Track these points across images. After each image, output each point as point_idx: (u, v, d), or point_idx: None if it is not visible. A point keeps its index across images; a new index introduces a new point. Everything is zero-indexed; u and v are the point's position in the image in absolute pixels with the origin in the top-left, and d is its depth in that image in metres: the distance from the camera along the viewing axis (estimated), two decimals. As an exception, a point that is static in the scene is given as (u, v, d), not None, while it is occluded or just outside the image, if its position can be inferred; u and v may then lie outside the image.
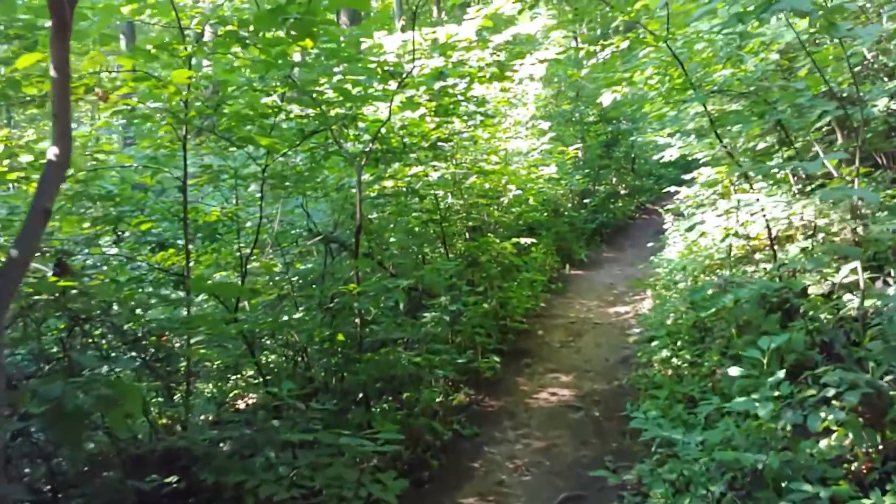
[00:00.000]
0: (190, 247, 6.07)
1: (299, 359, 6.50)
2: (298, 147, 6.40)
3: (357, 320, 6.69)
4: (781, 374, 4.57)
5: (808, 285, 6.21)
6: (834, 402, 4.37)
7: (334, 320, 6.41)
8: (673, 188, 13.61)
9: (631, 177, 20.10)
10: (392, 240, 9.94)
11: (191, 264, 5.92)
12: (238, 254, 6.44)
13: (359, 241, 7.57)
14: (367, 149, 7.67)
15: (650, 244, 14.18)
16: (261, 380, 6.02)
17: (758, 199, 6.44)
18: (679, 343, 7.85)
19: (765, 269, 9.01)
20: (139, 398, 4.30)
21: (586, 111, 18.20)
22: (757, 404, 4.42)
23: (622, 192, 18.95)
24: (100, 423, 4.66)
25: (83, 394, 3.86)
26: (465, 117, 8.80)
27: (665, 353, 7.62)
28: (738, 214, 9.22)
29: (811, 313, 5.97)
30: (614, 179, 18.75)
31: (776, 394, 4.61)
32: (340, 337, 6.27)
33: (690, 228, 9.05)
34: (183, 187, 5.42)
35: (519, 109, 12.06)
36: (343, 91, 5.87)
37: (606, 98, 9.87)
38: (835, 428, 4.47)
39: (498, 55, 8.56)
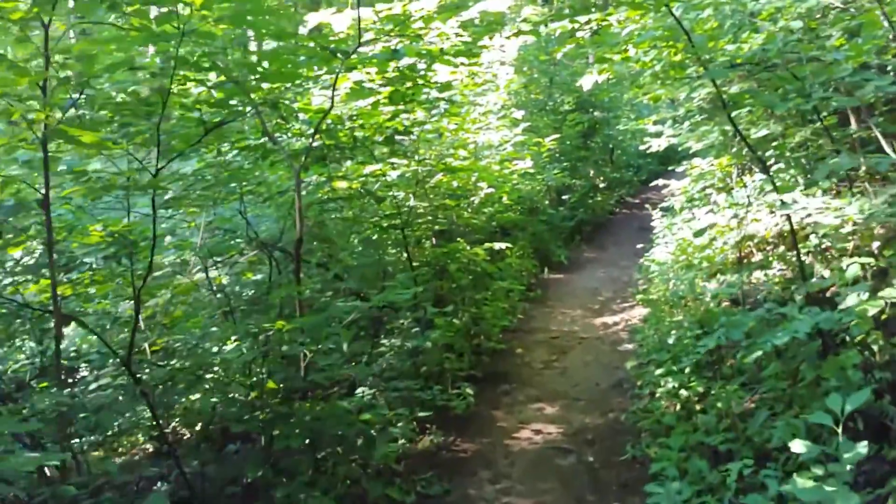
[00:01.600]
0: (71, 275, 4.74)
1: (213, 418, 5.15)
2: (205, 144, 5.01)
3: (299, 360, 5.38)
4: (863, 449, 3.29)
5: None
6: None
7: (264, 361, 5.08)
8: (661, 181, 12.36)
9: (609, 168, 18.84)
10: (350, 248, 8.65)
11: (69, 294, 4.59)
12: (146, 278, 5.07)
13: (299, 257, 6.25)
14: (309, 144, 6.33)
15: (637, 244, 12.97)
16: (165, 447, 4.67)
17: (795, 201, 5.14)
18: (687, 369, 6.60)
19: (778, 276, 7.81)
20: None
21: (561, 100, 16.91)
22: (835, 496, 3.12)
23: (601, 185, 17.68)
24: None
25: None
26: (427, 105, 7.47)
27: (671, 383, 6.33)
28: (746, 211, 8.02)
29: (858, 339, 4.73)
30: (591, 172, 17.45)
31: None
32: (271, 384, 4.94)
33: (700, 233, 7.76)
34: (45, 202, 4.05)
35: (489, 96, 10.73)
36: (251, 66, 4.52)
37: (587, 81, 8.67)
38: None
39: (462, 35, 7.23)
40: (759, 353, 4.49)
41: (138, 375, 4.53)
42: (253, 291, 7.75)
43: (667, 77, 7.49)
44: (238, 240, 7.74)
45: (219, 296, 6.85)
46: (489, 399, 7.53)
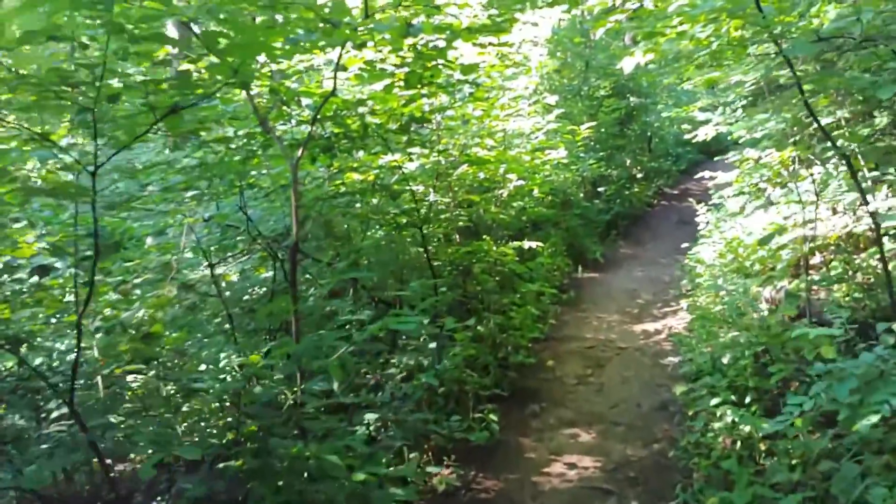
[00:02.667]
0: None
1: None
2: (157, 132, 4.12)
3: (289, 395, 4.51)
4: None
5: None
6: None
7: (243, 395, 4.21)
8: (706, 173, 11.38)
9: (647, 158, 17.79)
10: (365, 247, 7.79)
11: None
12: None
13: (296, 263, 5.39)
14: (309, 133, 5.46)
15: (678, 240, 12.03)
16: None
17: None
18: (748, 398, 5.67)
19: (849, 285, 6.86)
20: None
21: (596, 84, 15.89)
22: None
23: (638, 175, 16.65)
24: None
25: None
26: (449, 89, 6.57)
27: (728, 415, 5.40)
28: (811, 209, 7.07)
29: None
30: (628, 161, 16.41)
31: None
32: (252, 428, 4.08)
33: (765, 241, 6.79)
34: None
35: (520, 80, 9.79)
36: (210, 37, 3.62)
37: (628, 63, 7.71)
38: None
39: (489, 7, 6.35)
40: (876, 418, 3.51)
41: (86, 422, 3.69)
42: (264, 290, 6.95)
43: (723, 57, 6.55)
44: (240, 237, 6.95)
45: (205, 301, 6.03)
46: (516, 423, 6.63)
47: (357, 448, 4.20)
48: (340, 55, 5.25)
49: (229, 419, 4.24)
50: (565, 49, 14.98)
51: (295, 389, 4.28)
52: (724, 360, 6.37)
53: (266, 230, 6.87)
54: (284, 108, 6.07)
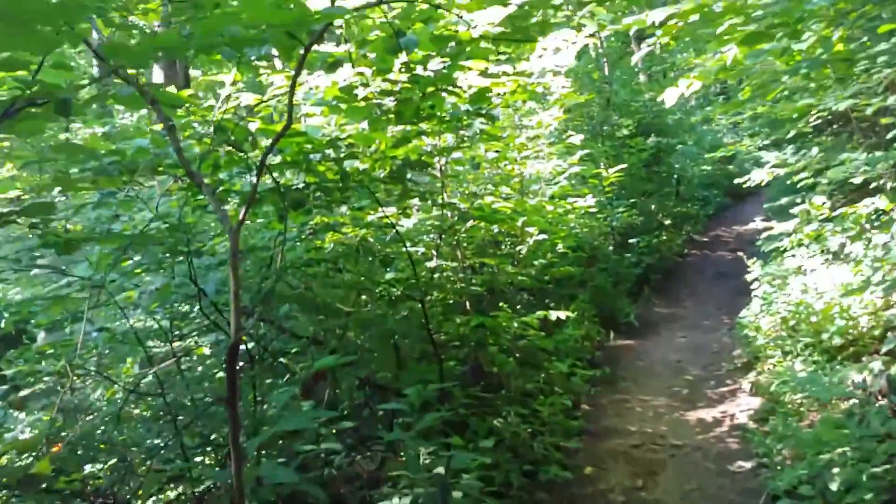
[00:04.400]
0: None
1: None
2: None
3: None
4: None
5: None
6: None
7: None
8: (759, 221, 9.75)
9: (672, 202, 16.14)
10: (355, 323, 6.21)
11: None
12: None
13: (234, 377, 3.74)
14: (253, 186, 3.85)
15: (719, 295, 10.41)
16: None
17: None
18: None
19: None
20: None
21: (618, 122, 14.31)
22: None
23: (666, 222, 14.99)
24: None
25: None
26: (456, 124, 4.99)
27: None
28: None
29: None
30: (653, 207, 14.74)
31: None
32: None
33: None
34: None
35: (540, 115, 8.22)
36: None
37: (670, 95, 6.29)
38: None
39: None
40: None
41: None
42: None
43: (819, 79, 4.97)
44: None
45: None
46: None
47: None
48: (296, 74, 3.67)
49: None
50: (583, 84, 13.44)
51: None
52: (833, 486, 4.69)
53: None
54: (234, 150, 4.47)
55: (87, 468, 4.72)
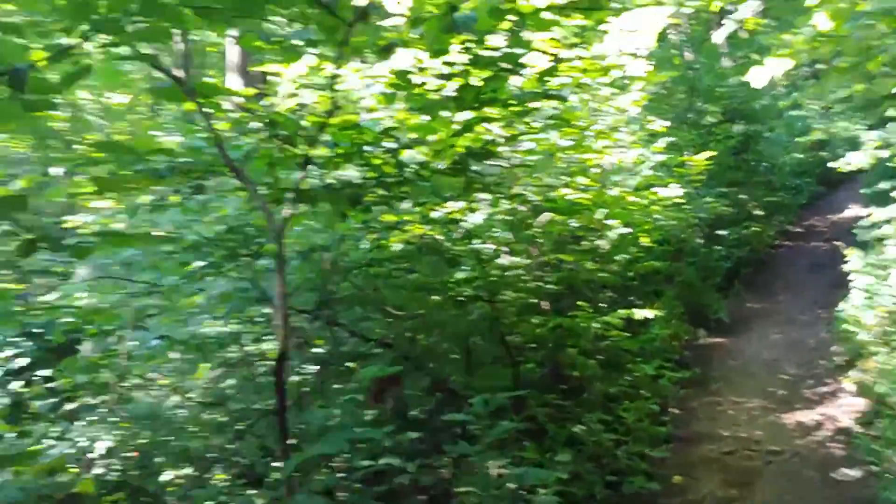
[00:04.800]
0: None
1: None
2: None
3: None
4: None
5: None
6: None
7: None
8: (855, 208, 9.08)
9: (763, 192, 15.32)
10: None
11: None
12: None
13: (282, 384, 3.46)
14: (297, 181, 3.55)
15: (815, 289, 9.76)
16: None
17: None
18: None
19: None
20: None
21: (704, 109, 13.65)
22: None
23: (756, 212, 14.22)
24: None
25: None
26: (523, 107, 4.57)
27: None
28: None
29: None
30: (742, 197, 13.99)
31: None
32: None
33: None
34: None
35: (619, 100, 7.73)
36: None
37: (760, 75, 5.87)
38: None
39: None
40: None
41: None
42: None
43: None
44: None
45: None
46: None
47: None
48: (340, 55, 3.33)
49: None
50: (664, 70, 12.84)
51: None
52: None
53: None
54: (280, 142, 4.14)
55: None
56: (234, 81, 11.85)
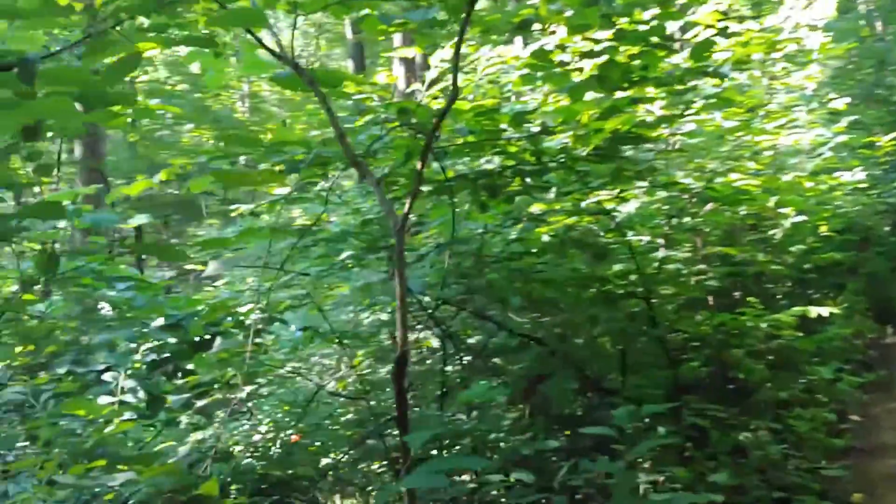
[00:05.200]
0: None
1: None
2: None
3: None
4: None
5: None
6: None
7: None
8: None
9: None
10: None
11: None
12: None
13: (402, 388, 3.21)
14: (417, 173, 3.27)
15: None
16: None
17: None
18: None
19: None
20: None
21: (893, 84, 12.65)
22: None
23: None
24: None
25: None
26: (672, 83, 4.14)
27: None
28: None
29: None
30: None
31: None
32: None
33: None
34: None
35: (793, 76, 7.11)
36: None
37: None
38: None
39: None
40: None
41: None
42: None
43: None
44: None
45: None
46: None
47: None
48: (462, 31, 3.04)
49: None
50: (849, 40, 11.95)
51: None
52: None
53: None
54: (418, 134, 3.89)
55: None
56: (397, 69, 11.93)
